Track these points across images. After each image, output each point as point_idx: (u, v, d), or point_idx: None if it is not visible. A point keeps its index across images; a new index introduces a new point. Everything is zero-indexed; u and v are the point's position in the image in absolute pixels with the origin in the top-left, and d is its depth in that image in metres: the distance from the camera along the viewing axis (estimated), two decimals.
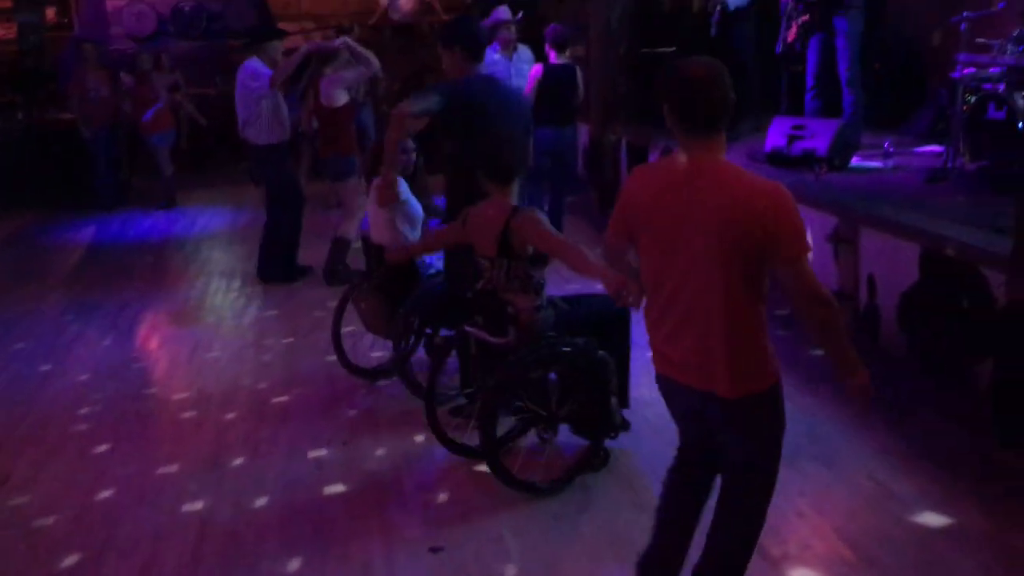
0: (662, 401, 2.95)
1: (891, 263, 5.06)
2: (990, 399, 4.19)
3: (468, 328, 4.04)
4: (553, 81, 7.49)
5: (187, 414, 4.99)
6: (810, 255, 2.66)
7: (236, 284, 7.60)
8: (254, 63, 7.10)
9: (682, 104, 2.59)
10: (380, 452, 4.44)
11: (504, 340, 3.91)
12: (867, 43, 7.97)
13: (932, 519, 3.62)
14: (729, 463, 2.80)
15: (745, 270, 2.58)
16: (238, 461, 4.41)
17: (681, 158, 2.64)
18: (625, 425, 4.21)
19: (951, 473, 3.94)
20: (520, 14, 8.08)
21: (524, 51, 7.90)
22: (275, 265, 7.49)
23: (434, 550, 3.57)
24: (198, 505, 4.00)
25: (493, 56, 7.51)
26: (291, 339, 6.15)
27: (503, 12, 7.78)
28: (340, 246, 7.33)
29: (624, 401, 4.21)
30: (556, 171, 7.68)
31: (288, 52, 7.60)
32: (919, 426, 4.38)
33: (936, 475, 3.93)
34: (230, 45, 12.88)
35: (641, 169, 2.84)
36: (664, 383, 2.84)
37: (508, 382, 3.85)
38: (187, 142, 12.75)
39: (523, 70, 7.64)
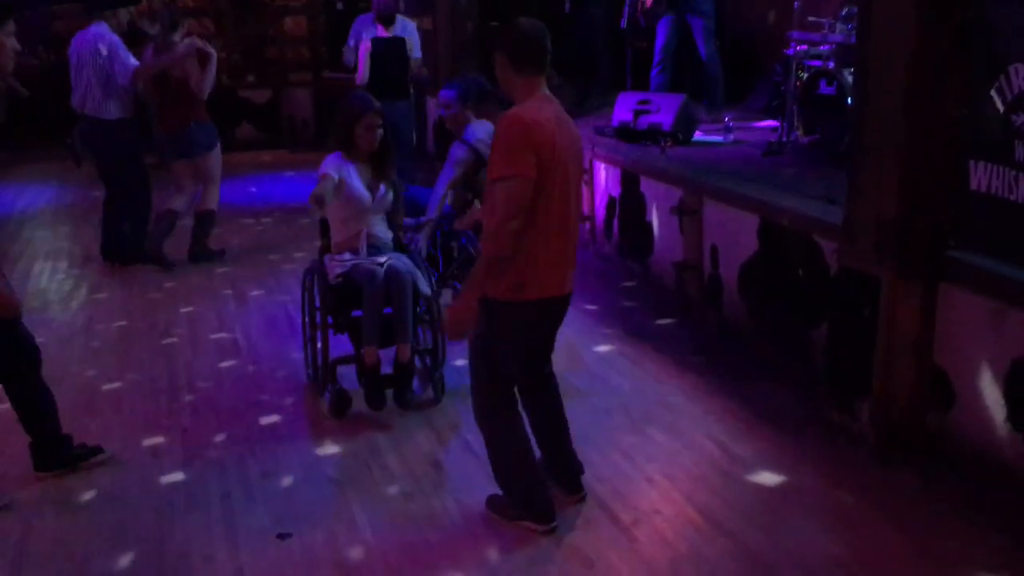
0: None
1: (732, 234, 5.21)
2: (824, 363, 4.37)
3: None
4: (383, 55, 7.52)
5: (5, 405, 4.62)
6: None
7: (63, 266, 7.12)
8: (103, 31, 6.61)
9: (529, 50, 3.18)
10: (220, 438, 4.24)
11: None
12: None
13: (771, 478, 3.75)
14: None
15: None
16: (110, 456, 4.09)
17: (541, 100, 3.19)
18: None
19: (788, 435, 4.09)
20: None
21: (409, 23, 7.97)
22: (121, 244, 7.01)
23: (282, 536, 3.42)
24: (17, 507, 3.69)
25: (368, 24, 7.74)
26: (124, 322, 5.80)
27: None
28: (207, 219, 7.04)
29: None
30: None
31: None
32: (759, 391, 4.54)
33: (775, 438, 4.08)
34: (54, 11, 12.02)
35: (529, 111, 3.13)
36: (546, 305, 3.29)
37: None
38: (4, 115, 11.83)
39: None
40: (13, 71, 10.08)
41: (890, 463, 3.81)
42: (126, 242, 7.02)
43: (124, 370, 5.02)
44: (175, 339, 5.51)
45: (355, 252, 4.50)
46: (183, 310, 6.01)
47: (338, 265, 4.45)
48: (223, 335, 5.50)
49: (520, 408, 3.47)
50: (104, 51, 6.55)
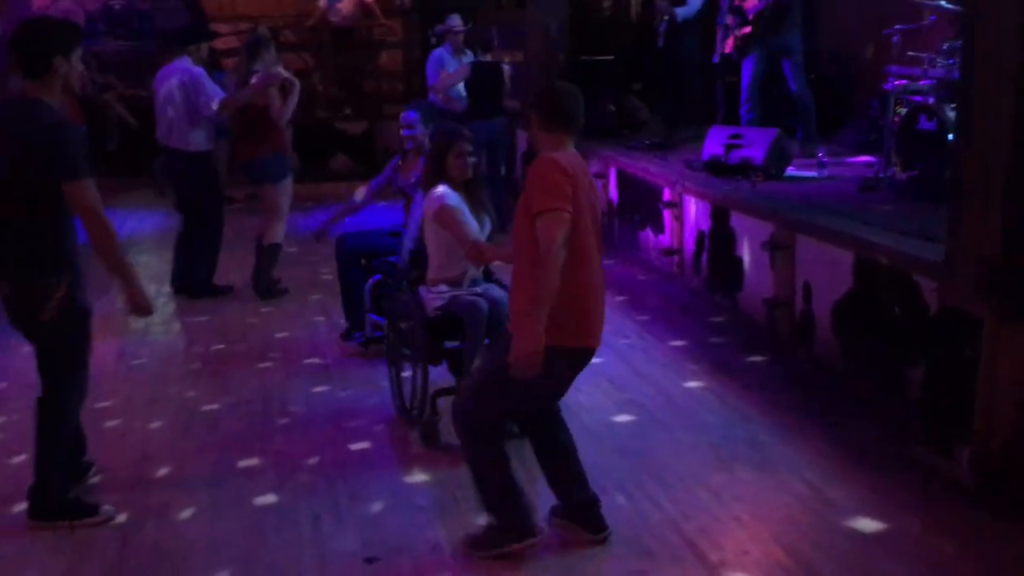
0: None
1: (826, 270, 5.11)
2: (921, 405, 4.24)
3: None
4: (482, 78, 8.39)
5: (111, 423, 4.81)
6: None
7: (165, 289, 7.38)
8: (186, 64, 6.80)
9: (559, 119, 3.38)
10: (312, 461, 4.33)
11: None
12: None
13: (866, 524, 3.64)
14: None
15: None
16: (164, 471, 4.25)
17: (569, 151, 3.37)
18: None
19: (883, 478, 3.97)
20: (469, 23, 8.97)
21: (468, 55, 8.78)
22: (194, 280, 7.12)
23: (369, 560, 3.47)
24: (121, 517, 3.83)
25: (445, 56, 8.65)
26: (221, 346, 5.99)
27: (455, 21, 8.76)
28: (273, 253, 7.04)
29: None
30: (489, 162, 8.14)
31: (223, 54, 7.34)
32: (853, 431, 4.42)
33: (869, 480, 3.96)
34: (159, 46, 12.59)
35: (559, 155, 3.31)
36: (579, 356, 3.38)
37: None
38: (117, 144, 12.40)
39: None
40: (121, 101, 10.44)
41: (991, 511, 3.66)
42: (196, 275, 7.10)
43: (220, 392, 5.18)
44: (270, 363, 5.65)
45: (454, 285, 4.43)
46: (278, 335, 6.17)
47: (436, 298, 4.39)
48: (315, 360, 5.63)
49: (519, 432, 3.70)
50: (189, 84, 6.68)
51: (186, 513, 3.88)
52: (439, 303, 4.37)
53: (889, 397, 4.60)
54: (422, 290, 4.50)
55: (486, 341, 4.25)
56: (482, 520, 3.62)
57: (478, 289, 4.45)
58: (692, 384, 5.11)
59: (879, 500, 3.80)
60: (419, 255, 4.71)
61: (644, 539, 3.55)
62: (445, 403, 4.26)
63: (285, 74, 6.83)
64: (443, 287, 4.43)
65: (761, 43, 7.39)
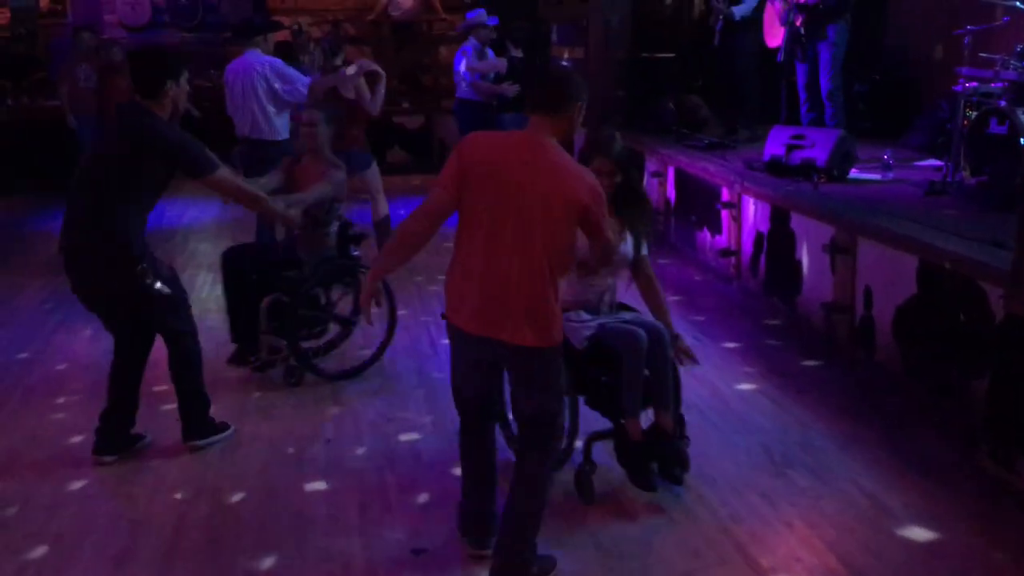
0: None
1: (888, 275, 5.00)
2: (985, 414, 4.12)
3: None
4: (521, 71, 8.52)
5: (167, 406, 4.87)
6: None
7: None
8: (258, 55, 6.88)
9: (533, 92, 3.31)
10: (362, 451, 4.36)
11: None
12: (863, 55, 7.98)
13: (922, 534, 3.56)
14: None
15: (561, 240, 3.11)
16: (217, 455, 4.31)
17: (525, 129, 3.21)
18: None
19: (943, 488, 3.88)
20: (495, 19, 9.05)
21: (490, 52, 8.92)
22: None
23: (416, 552, 3.49)
24: (175, 499, 3.91)
25: (469, 51, 8.70)
26: None
27: (485, 15, 8.91)
28: (385, 225, 7.38)
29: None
30: None
31: (283, 44, 7.43)
32: (912, 440, 4.32)
33: (927, 490, 3.87)
34: (224, 38, 12.79)
35: (480, 135, 3.30)
36: (456, 333, 3.24)
37: None
38: None
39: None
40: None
41: None
42: None
43: (273, 380, 5.23)
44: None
45: (591, 310, 3.91)
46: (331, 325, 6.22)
47: (581, 327, 3.82)
48: (367, 352, 5.66)
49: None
50: (271, 73, 6.78)
51: (238, 496, 3.94)
52: (587, 332, 3.82)
53: (951, 406, 4.49)
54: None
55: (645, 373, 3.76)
56: None
57: (626, 316, 3.96)
58: (746, 387, 5.03)
59: (936, 510, 3.71)
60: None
61: (692, 540, 3.50)
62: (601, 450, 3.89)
63: (374, 66, 6.98)
64: (583, 314, 3.87)
65: (812, 38, 7.27)
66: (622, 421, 3.77)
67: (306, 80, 6.88)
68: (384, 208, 7.52)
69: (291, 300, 5.00)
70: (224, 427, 4.48)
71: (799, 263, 5.95)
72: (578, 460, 3.86)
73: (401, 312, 6.38)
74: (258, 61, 6.87)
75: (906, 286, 4.85)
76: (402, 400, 4.94)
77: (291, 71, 6.91)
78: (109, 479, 4.09)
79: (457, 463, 4.13)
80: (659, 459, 3.77)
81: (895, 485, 3.92)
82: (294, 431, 4.57)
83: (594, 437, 3.90)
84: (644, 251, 3.95)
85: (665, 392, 3.78)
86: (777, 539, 3.54)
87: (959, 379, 4.45)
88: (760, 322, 6.09)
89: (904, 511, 3.71)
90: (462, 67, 8.80)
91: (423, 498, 3.90)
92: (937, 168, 6.40)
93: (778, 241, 6.26)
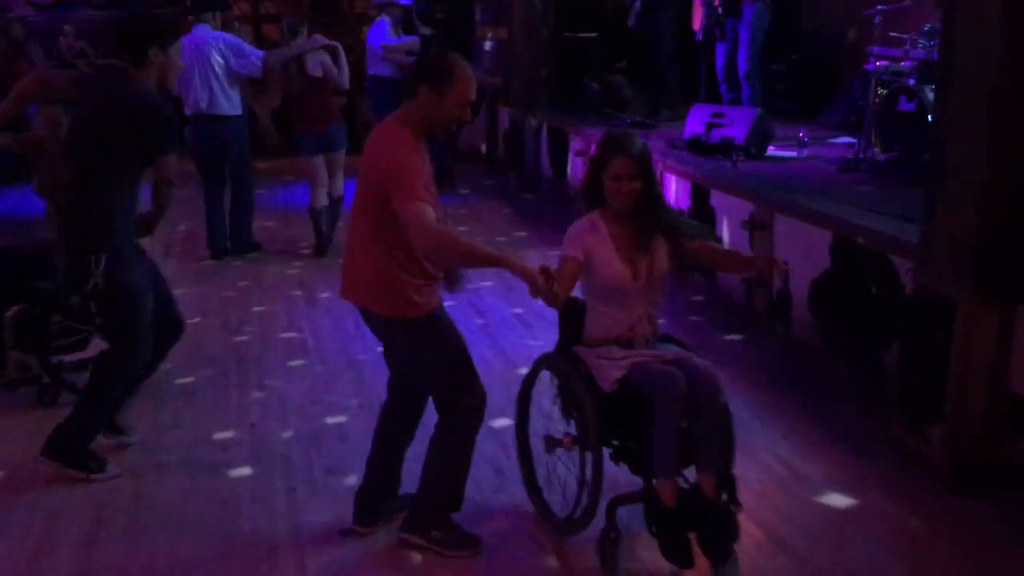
0: None
1: (804, 250, 5.13)
2: (896, 385, 4.27)
3: None
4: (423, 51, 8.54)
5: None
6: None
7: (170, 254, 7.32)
8: (208, 30, 6.94)
9: None
10: (288, 434, 4.32)
11: None
12: (780, 36, 8.13)
13: (838, 500, 3.69)
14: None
15: (374, 212, 3.16)
16: (138, 443, 4.22)
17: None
18: None
19: (858, 456, 4.02)
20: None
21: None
22: (243, 239, 7.38)
23: (345, 533, 3.48)
24: (94, 488, 3.82)
25: (385, 26, 8.87)
26: (198, 319, 5.94)
27: None
28: (339, 205, 7.36)
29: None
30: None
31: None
32: (828, 410, 4.46)
33: (843, 458, 4.01)
34: (174, 15, 12.43)
35: None
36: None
37: None
38: None
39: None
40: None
41: (961, 490, 3.71)
42: (243, 234, 7.38)
43: (197, 365, 5.15)
44: (246, 337, 5.63)
45: (624, 344, 3.29)
46: (255, 309, 6.15)
47: (612, 365, 3.22)
48: (292, 335, 5.60)
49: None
50: (227, 49, 6.88)
51: (160, 484, 3.87)
52: (618, 373, 3.19)
53: (865, 377, 4.64)
54: (585, 354, 3.32)
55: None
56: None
57: (667, 354, 3.29)
58: None
59: (852, 477, 3.85)
60: None
61: (620, 512, 3.55)
62: (625, 515, 3.28)
63: (326, 40, 7.13)
64: (616, 350, 3.27)
65: (730, 16, 7.40)
66: (653, 482, 3.15)
67: (260, 53, 7.01)
68: (341, 186, 7.43)
69: (41, 311, 4.58)
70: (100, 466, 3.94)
71: (719, 239, 6.07)
72: (600, 525, 3.25)
73: (325, 295, 6.35)
74: (211, 36, 6.93)
75: (821, 260, 4.99)
76: (328, 382, 4.91)
77: (246, 47, 7.03)
78: (26, 469, 3.98)
79: None
80: (699, 528, 3.11)
81: (812, 454, 4.05)
82: (218, 416, 4.51)
83: (619, 501, 3.23)
84: (691, 242, 3.37)
85: (711, 448, 3.13)
86: None
87: (871, 351, 4.60)
88: (682, 298, 6.18)
89: (821, 479, 3.84)
90: (377, 43, 8.91)
91: (351, 481, 3.88)
92: (850, 145, 6.58)
93: (699, 218, 6.36)
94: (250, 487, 3.85)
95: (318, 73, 7.05)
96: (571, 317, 3.41)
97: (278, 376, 5.00)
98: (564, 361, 3.39)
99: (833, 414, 4.41)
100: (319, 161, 7.24)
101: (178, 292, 6.43)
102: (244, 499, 3.75)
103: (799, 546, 3.36)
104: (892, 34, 6.17)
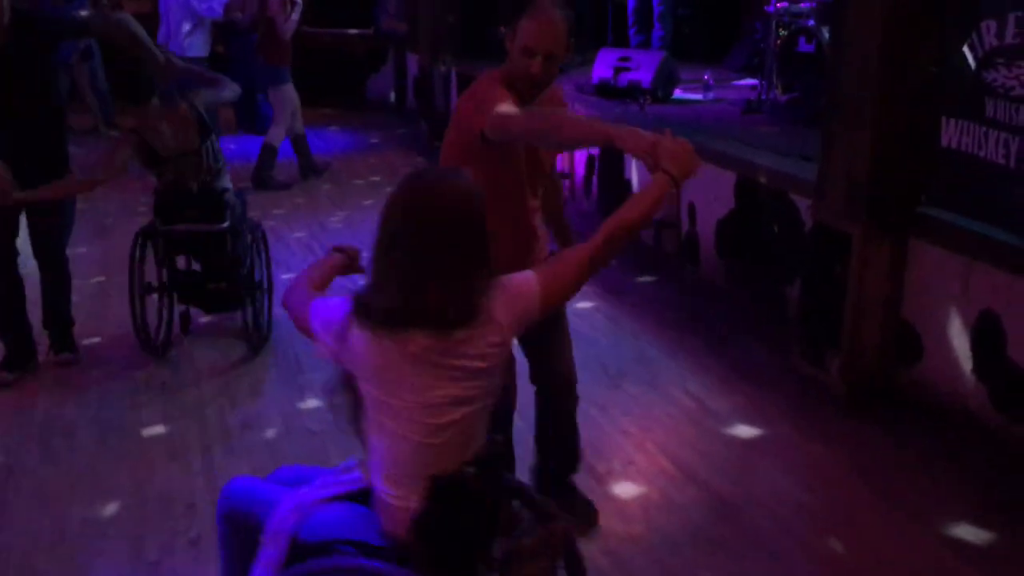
0: None
1: (710, 191, 5.25)
2: (797, 317, 4.44)
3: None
4: None
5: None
6: None
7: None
8: None
9: None
10: (202, 392, 4.27)
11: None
12: None
13: (744, 431, 3.84)
14: None
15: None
16: (44, 406, 4.13)
17: None
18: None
19: (763, 389, 4.17)
20: None
21: None
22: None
23: None
24: (1, 450, 3.74)
25: None
26: (102, 278, 5.78)
27: None
28: (269, 152, 7.73)
29: None
30: None
31: None
32: (735, 346, 4.61)
33: (749, 391, 4.16)
34: None
35: None
36: None
37: None
38: None
39: None
40: None
41: (859, 416, 3.90)
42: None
43: (104, 325, 5.03)
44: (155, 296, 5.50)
45: None
46: None
47: None
48: None
49: None
50: (199, 3, 7.30)
51: (71, 446, 3.80)
52: None
53: (770, 313, 4.80)
54: None
55: None
56: None
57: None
58: (583, 305, 5.20)
59: (757, 409, 4.00)
60: None
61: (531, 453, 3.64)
62: None
63: None
64: None
65: None
66: None
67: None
68: (277, 137, 7.83)
69: None
70: None
71: (629, 183, 6.15)
72: None
73: None
74: None
75: (726, 201, 5.11)
76: (240, 337, 4.85)
77: None
78: None
79: (302, 399, 4.15)
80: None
81: (720, 389, 4.19)
82: (127, 377, 4.43)
83: None
84: None
85: None
86: (613, 447, 3.72)
87: (775, 287, 4.75)
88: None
89: (728, 412, 3.98)
90: None
91: (269, 434, 3.88)
92: (753, 87, 6.70)
93: (609, 162, 6.43)
94: (164, 446, 3.81)
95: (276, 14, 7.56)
96: None
97: (189, 333, 4.92)
98: None
99: (740, 350, 4.56)
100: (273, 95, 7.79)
101: (80, 250, 6.30)
102: (158, 458, 3.71)
103: (707, 476, 3.49)
104: None
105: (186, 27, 7.38)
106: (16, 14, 3.90)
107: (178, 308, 4.76)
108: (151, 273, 4.63)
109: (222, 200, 4.42)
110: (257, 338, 4.65)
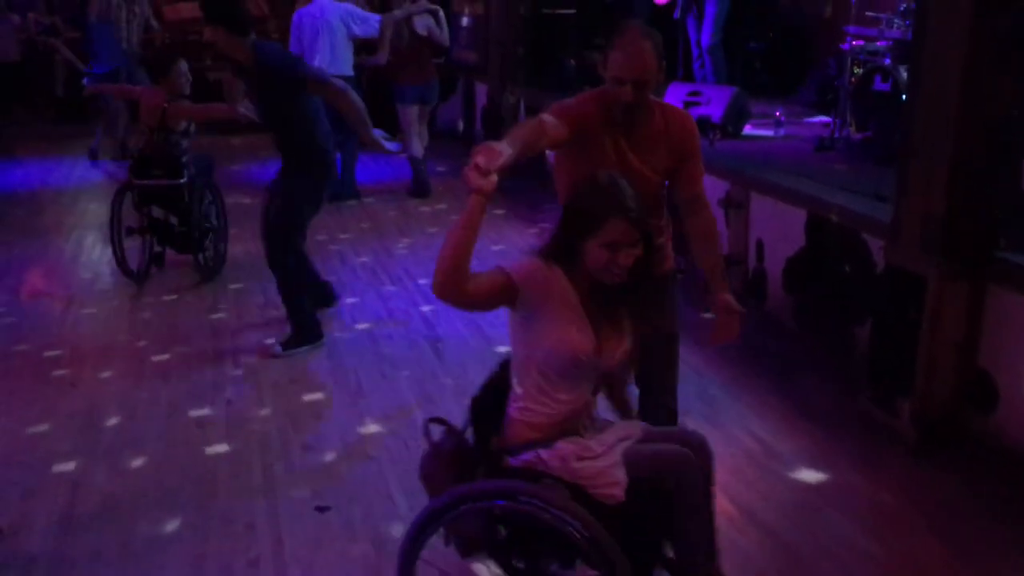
0: None
1: (779, 228, 5.18)
2: (867, 361, 4.33)
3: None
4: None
5: (59, 372, 4.76)
6: None
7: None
8: (339, 4, 7.58)
9: None
10: (265, 412, 4.32)
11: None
12: (760, 13, 8.14)
13: (810, 475, 3.74)
14: None
15: None
16: (114, 421, 4.22)
17: None
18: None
19: (829, 432, 4.07)
20: None
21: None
22: (353, 184, 8.26)
23: (320, 509, 3.49)
24: (70, 465, 3.82)
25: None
26: (173, 296, 5.92)
27: None
28: (417, 163, 8.40)
29: None
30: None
31: None
32: (800, 386, 4.52)
33: (814, 433, 4.06)
34: None
35: None
36: None
37: None
38: (63, 88, 12.10)
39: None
40: (67, 45, 10.73)
41: (931, 464, 3.78)
42: (347, 180, 8.06)
43: (172, 342, 5.13)
44: (222, 314, 5.61)
45: (569, 434, 2.51)
46: (231, 286, 6.12)
47: (607, 468, 2.41)
48: (271, 312, 5.59)
49: None
50: (348, 15, 7.57)
51: (137, 462, 3.87)
52: (622, 475, 2.40)
53: (838, 353, 4.70)
54: (548, 458, 2.44)
55: None
56: None
57: (636, 431, 2.57)
58: None
59: (824, 452, 3.90)
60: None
61: None
62: None
63: (429, 4, 8.15)
64: (593, 445, 2.47)
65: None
66: None
67: (377, 17, 7.80)
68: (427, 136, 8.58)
69: None
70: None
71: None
72: None
73: None
74: (330, 6, 7.55)
75: (795, 239, 5.03)
76: (305, 360, 4.91)
77: (363, 12, 7.80)
78: (1, 448, 3.97)
79: (362, 423, 4.17)
80: None
81: (784, 430, 4.10)
82: (194, 394, 4.50)
83: None
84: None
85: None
86: None
87: (843, 328, 4.65)
88: None
89: (792, 454, 3.89)
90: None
91: (328, 457, 3.90)
92: (826, 124, 6.61)
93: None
94: (227, 464, 3.85)
95: (423, 33, 8.03)
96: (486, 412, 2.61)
97: (254, 353, 4.99)
98: (526, 491, 2.33)
99: (806, 391, 4.47)
100: (414, 111, 8.27)
101: (152, 270, 6.47)
102: (221, 476, 3.76)
103: (770, 520, 3.41)
104: (868, 13, 6.19)
105: (342, 50, 7.64)
106: None
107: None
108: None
109: (180, 162, 5.89)
110: (207, 271, 6.13)
